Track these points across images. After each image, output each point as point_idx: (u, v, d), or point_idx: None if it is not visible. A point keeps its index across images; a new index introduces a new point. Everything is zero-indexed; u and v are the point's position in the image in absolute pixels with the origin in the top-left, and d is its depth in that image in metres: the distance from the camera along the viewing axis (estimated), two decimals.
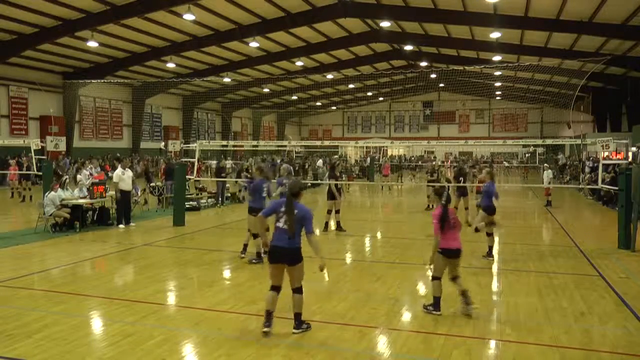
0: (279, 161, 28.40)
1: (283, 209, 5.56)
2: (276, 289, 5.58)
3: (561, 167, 32.28)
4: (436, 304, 6.22)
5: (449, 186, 12.69)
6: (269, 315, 5.50)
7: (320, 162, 31.41)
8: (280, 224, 5.56)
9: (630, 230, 10.21)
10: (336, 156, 40.17)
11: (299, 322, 5.61)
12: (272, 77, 33.71)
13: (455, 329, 5.72)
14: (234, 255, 9.56)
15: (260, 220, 5.86)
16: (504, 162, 43.88)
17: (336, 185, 12.47)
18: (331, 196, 12.32)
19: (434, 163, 24.89)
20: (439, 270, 6.27)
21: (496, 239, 11.79)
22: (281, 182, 10.29)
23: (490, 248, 9.57)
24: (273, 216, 5.73)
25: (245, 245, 9.35)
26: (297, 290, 5.58)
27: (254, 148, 42.06)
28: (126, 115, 36.38)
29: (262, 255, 8.79)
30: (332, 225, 12.66)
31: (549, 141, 16.89)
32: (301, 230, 5.56)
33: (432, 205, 13.91)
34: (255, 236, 8.98)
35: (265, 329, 5.44)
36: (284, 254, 5.49)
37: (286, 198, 5.65)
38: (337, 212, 12.40)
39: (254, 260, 8.92)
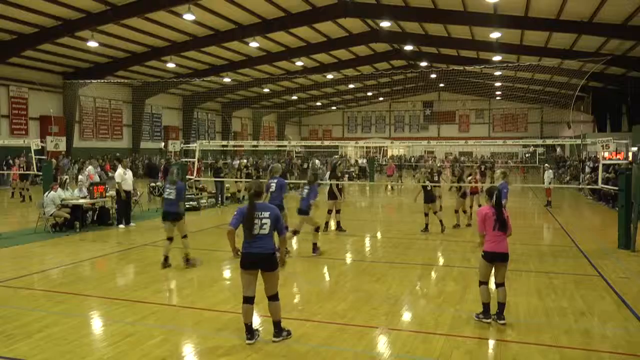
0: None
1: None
2: (250, 300, 5.34)
3: (558, 159, 32.15)
4: (485, 310, 5.93)
5: (431, 186, 12.66)
6: (249, 328, 5.33)
7: (317, 162, 31.24)
8: (256, 231, 5.31)
9: (630, 230, 10.21)
10: (337, 156, 40.12)
11: (279, 330, 5.41)
12: (272, 77, 33.70)
13: (455, 329, 5.72)
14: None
15: (229, 232, 5.37)
16: (509, 162, 43.84)
17: (337, 185, 12.49)
18: (332, 196, 12.35)
19: (430, 163, 25.05)
20: (484, 274, 6.01)
21: None
22: (270, 183, 9.79)
23: None
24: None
25: None
26: (274, 298, 5.38)
27: (254, 148, 42.04)
28: (126, 115, 36.36)
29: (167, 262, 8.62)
30: (332, 225, 12.66)
31: (549, 141, 16.90)
32: (274, 233, 5.37)
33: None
34: (170, 240, 8.72)
35: (249, 342, 5.26)
36: (259, 261, 5.29)
37: (248, 200, 5.40)
38: (338, 212, 12.41)
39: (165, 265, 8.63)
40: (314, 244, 9.81)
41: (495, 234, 5.92)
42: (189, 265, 8.69)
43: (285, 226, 9.45)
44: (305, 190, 9.71)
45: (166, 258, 8.70)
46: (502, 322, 5.85)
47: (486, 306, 5.92)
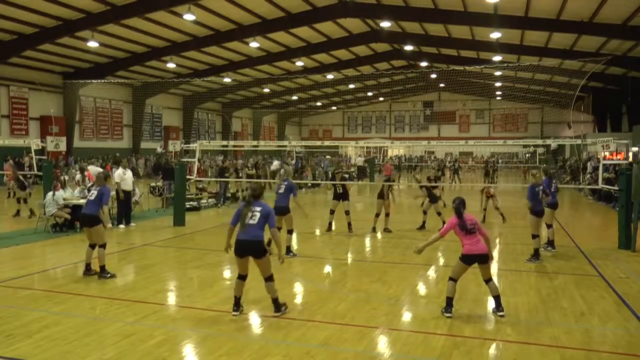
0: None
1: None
2: (243, 277, 6.16)
3: (553, 153, 32.02)
4: (448, 305, 6.14)
5: (426, 187, 13.06)
6: (237, 301, 6.13)
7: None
8: (252, 221, 6.00)
9: (630, 230, 10.21)
10: (337, 157, 40.07)
11: (278, 306, 6.11)
12: (272, 77, 33.72)
13: (455, 329, 5.72)
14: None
15: (229, 229, 6.26)
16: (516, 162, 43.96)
17: (343, 186, 12.62)
18: (336, 196, 12.57)
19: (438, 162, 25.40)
20: (457, 273, 6.21)
21: (496, 239, 11.80)
22: (280, 185, 9.88)
23: (550, 241, 10.19)
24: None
25: None
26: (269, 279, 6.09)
27: (254, 148, 42.04)
28: (126, 115, 36.36)
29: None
30: (340, 226, 12.68)
31: (549, 141, 16.88)
32: (265, 226, 6.05)
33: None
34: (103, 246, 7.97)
35: (234, 313, 6.07)
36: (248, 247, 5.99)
37: (247, 200, 6.16)
38: (347, 213, 12.42)
39: (107, 275, 7.87)
40: (287, 247, 9.37)
41: (469, 238, 6.15)
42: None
43: (291, 229, 9.46)
44: (282, 187, 9.56)
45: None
46: (500, 313, 6.10)
47: (449, 300, 6.16)
